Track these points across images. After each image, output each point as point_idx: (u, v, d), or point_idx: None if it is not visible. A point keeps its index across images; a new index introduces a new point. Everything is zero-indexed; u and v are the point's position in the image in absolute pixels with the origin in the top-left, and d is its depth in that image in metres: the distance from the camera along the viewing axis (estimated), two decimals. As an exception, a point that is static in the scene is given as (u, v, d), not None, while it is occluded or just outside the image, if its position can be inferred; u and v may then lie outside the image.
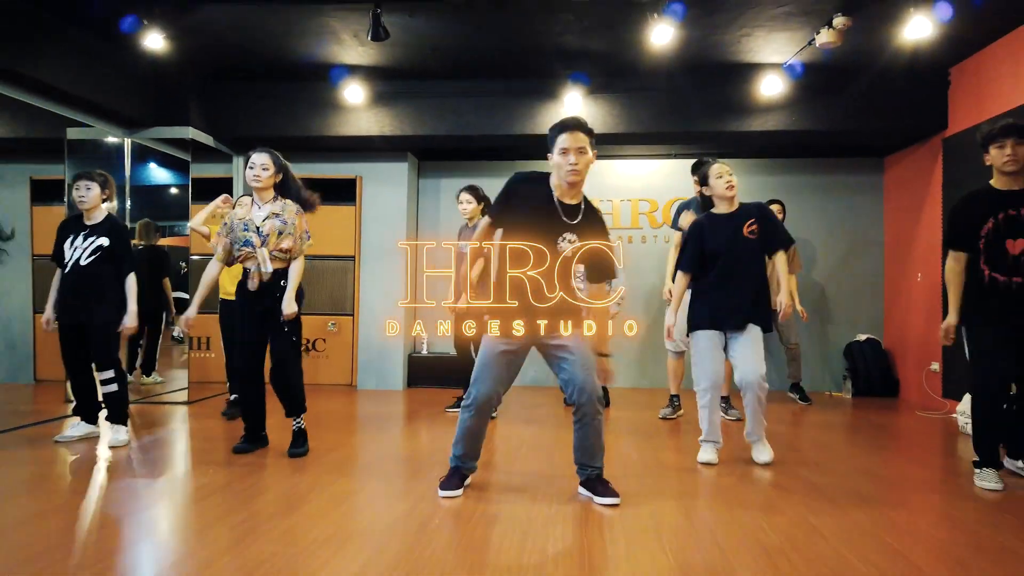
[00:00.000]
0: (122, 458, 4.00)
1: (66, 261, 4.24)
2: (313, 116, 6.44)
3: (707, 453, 3.96)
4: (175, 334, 6.98)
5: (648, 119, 6.23)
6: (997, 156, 3.51)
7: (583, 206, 3.16)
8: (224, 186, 6.98)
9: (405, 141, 6.61)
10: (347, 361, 7.14)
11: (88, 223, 4.30)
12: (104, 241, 4.25)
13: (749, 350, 3.80)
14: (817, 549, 2.61)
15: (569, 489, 3.32)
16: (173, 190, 6.92)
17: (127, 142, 6.13)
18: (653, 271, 7.05)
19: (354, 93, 6.21)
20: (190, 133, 6.14)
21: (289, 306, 3.88)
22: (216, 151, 6.69)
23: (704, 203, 4.21)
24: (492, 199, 4.90)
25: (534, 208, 3.10)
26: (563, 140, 3.06)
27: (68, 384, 4.72)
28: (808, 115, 6.10)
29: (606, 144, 6.72)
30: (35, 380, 7.10)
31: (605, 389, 5.97)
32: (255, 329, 3.94)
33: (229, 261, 4.00)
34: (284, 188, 4.06)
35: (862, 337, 6.99)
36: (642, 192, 7.42)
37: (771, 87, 5.92)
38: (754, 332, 3.86)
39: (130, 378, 6.35)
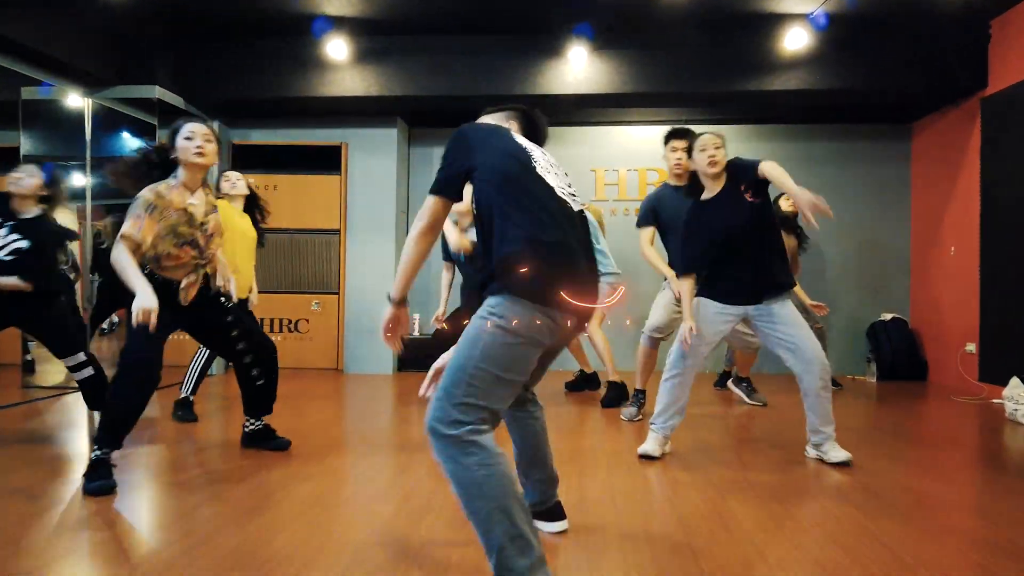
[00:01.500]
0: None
1: None
2: (293, 75, 5.89)
3: (651, 443, 3.41)
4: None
5: (659, 78, 5.69)
6: None
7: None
8: (198, 153, 6.45)
9: (394, 103, 6.06)
10: (332, 343, 6.63)
11: (16, 215, 3.71)
12: (24, 244, 3.66)
13: (792, 327, 3.28)
14: (882, 560, 2.11)
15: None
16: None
17: (88, 102, 5.58)
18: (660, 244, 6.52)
19: (337, 49, 5.66)
20: (156, 93, 5.59)
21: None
22: (188, 114, 6.13)
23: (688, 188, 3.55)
24: None
25: None
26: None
27: None
28: (834, 73, 5.56)
29: (612, 107, 6.18)
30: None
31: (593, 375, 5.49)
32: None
33: (145, 262, 3.02)
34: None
35: (887, 316, 6.50)
36: (650, 161, 6.88)
37: (795, 41, 5.39)
38: (787, 306, 3.34)
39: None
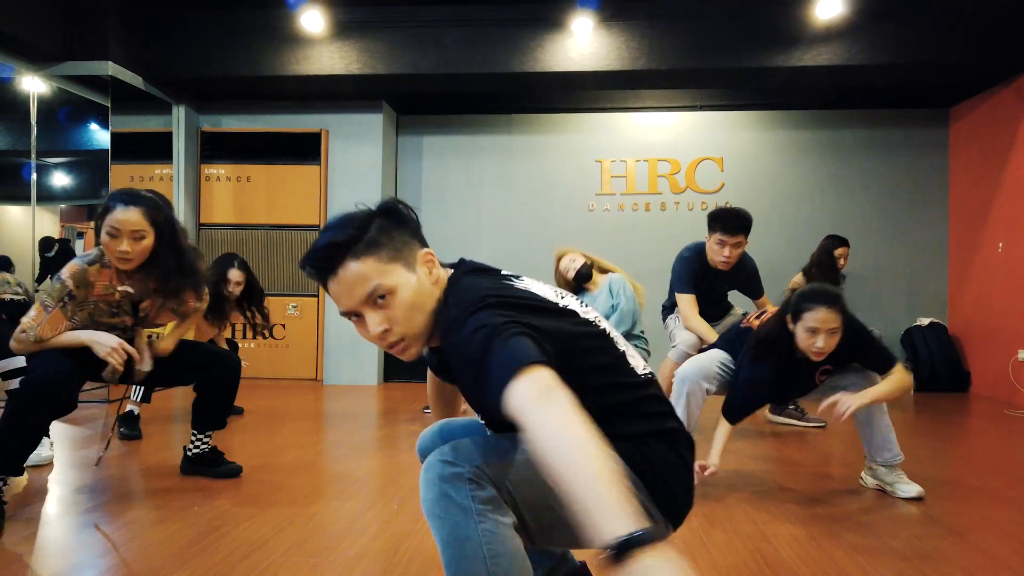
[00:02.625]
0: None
1: None
2: (266, 51, 5.27)
3: None
4: None
5: (673, 53, 5.08)
6: None
7: None
8: (159, 142, 5.85)
9: (378, 83, 5.45)
10: (311, 351, 5.99)
11: None
12: None
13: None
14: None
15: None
16: (97, 152, 5.68)
17: (32, 80, 4.96)
18: (672, 246, 5.91)
19: (313, 21, 5.05)
20: (109, 69, 4.96)
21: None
22: (151, 98, 5.53)
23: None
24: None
25: None
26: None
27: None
28: (869, 46, 4.95)
29: (621, 87, 5.56)
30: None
31: None
32: None
33: None
34: None
35: (924, 321, 5.88)
36: (662, 151, 6.27)
37: (827, 9, 4.79)
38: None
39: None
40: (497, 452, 1.22)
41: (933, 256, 6.08)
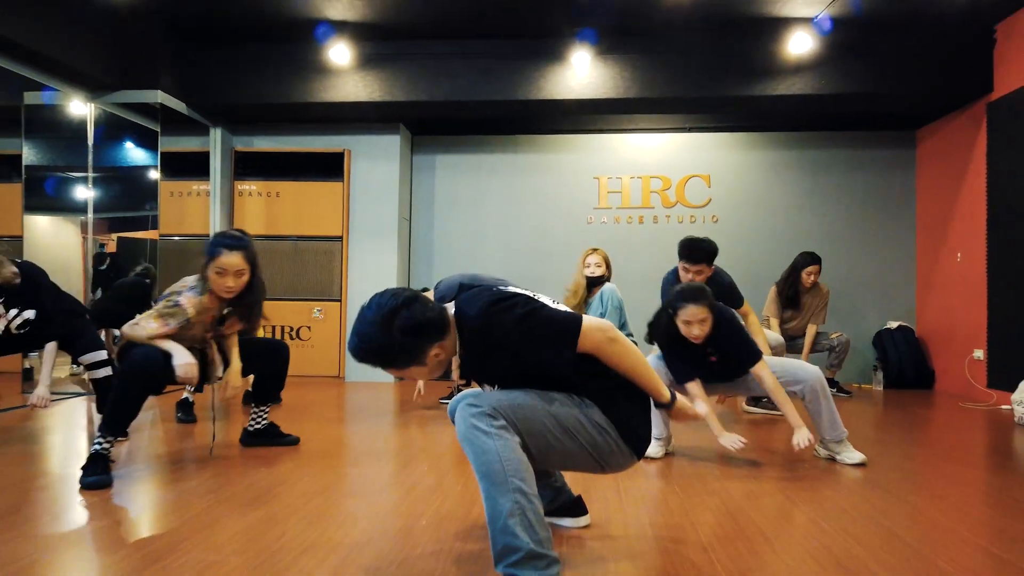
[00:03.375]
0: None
1: None
2: (296, 80, 5.88)
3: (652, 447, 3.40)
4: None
5: (662, 83, 5.67)
6: None
7: None
8: (197, 161, 6.45)
9: (396, 109, 6.05)
10: (334, 351, 6.57)
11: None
12: (29, 314, 3.61)
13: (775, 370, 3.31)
14: (902, 556, 2.05)
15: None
16: (145, 170, 6.27)
17: (90, 107, 5.57)
18: (663, 256, 6.47)
19: (340, 54, 5.66)
20: (159, 98, 5.57)
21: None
22: (190, 121, 6.13)
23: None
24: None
25: None
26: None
27: None
28: (839, 77, 5.55)
29: (616, 113, 6.15)
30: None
31: None
32: None
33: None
34: None
35: (893, 325, 6.44)
36: (655, 168, 6.86)
37: (799, 45, 5.38)
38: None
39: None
40: (506, 398, 1.81)
41: (901, 265, 6.65)
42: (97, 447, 2.83)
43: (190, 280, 3.12)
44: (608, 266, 4.68)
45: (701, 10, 5.14)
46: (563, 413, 1.84)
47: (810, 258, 5.64)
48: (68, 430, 4.12)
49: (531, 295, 1.93)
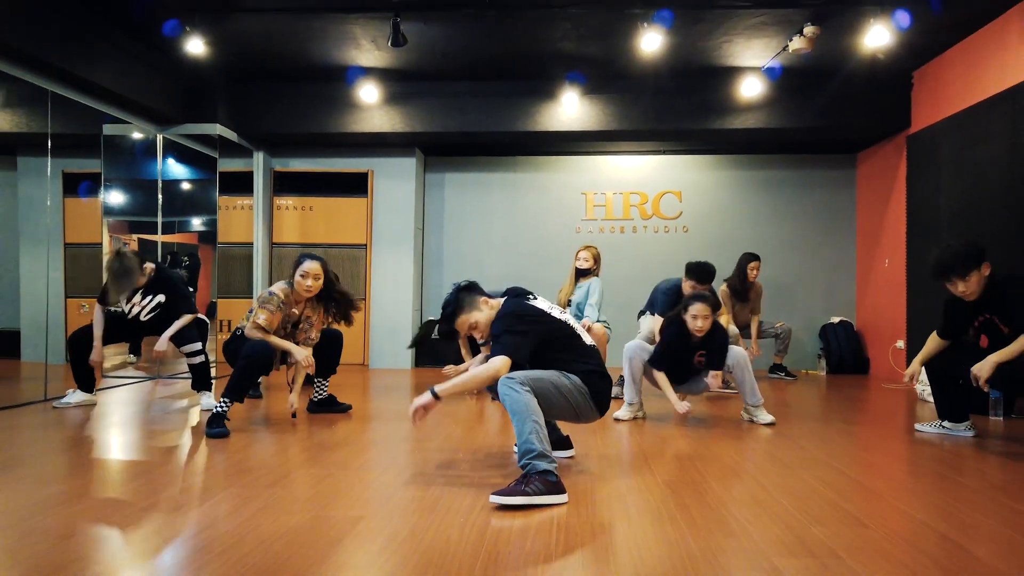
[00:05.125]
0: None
1: (123, 313, 4.81)
2: (330, 114, 6.96)
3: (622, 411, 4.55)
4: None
5: (639, 118, 6.79)
6: (953, 290, 3.82)
7: None
8: (242, 179, 7.52)
9: (414, 137, 7.15)
10: (360, 342, 7.67)
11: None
12: (161, 298, 4.80)
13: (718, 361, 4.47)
14: (785, 478, 3.18)
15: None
16: (200, 186, 7.34)
17: (159, 138, 6.63)
18: (641, 260, 7.62)
19: (369, 93, 6.74)
20: (217, 130, 6.65)
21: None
22: (238, 146, 7.20)
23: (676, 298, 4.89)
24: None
25: None
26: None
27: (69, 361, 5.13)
28: (785, 114, 6.68)
29: (600, 141, 7.26)
30: (67, 360, 7.58)
31: None
32: None
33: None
34: None
35: (836, 319, 7.57)
36: (634, 185, 7.98)
37: (751, 88, 6.49)
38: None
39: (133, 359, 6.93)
40: (529, 375, 2.87)
41: (843, 268, 7.80)
42: (220, 407, 3.93)
43: (280, 283, 4.26)
44: (597, 261, 5.77)
45: (669, 60, 6.24)
46: (561, 383, 2.95)
47: (752, 256, 6.71)
48: (168, 403, 5.20)
49: (546, 310, 3.08)
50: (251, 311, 4.25)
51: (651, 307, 5.53)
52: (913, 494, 2.85)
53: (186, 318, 4.75)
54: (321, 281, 4.23)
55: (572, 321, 3.15)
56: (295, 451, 3.51)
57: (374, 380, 6.65)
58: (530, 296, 3.21)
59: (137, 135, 6.71)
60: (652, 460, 3.38)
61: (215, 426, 3.87)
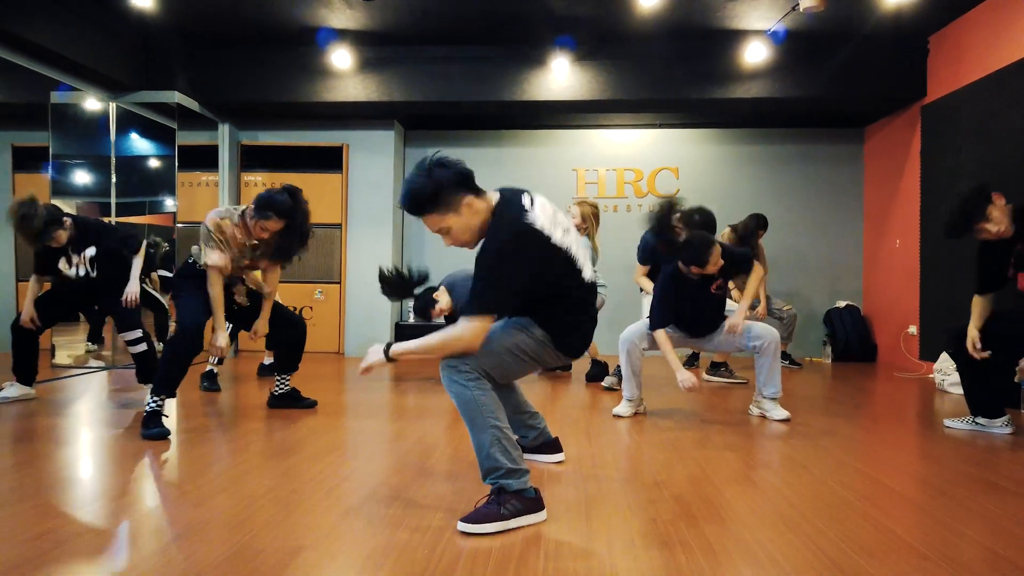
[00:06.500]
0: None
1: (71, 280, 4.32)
2: (300, 81, 6.42)
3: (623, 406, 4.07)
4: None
5: (634, 86, 6.28)
6: (987, 236, 3.45)
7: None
8: (209, 154, 6.98)
9: (392, 108, 6.62)
10: (334, 329, 7.17)
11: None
12: (92, 251, 4.29)
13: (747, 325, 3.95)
14: (811, 487, 2.72)
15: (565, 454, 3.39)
16: (158, 161, 6.78)
17: (112, 106, 6.08)
18: (635, 241, 7.12)
19: (341, 58, 6.20)
20: (176, 98, 6.10)
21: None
22: (201, 117, 6.66)
23: (667, 246, 4.20)
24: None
25: None
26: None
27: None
28: (791, 82, 6.19)
29: (592, 112, 6.76)
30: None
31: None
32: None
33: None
34: None
35: (841, 304, 7.13)
36: (628, 161, 7.49)
37: (755, 54, 6.00)
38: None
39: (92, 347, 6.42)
40: (481, 350, 2.25)
41: (850, 250, 7.35)
42: (153, 405, 3.43)
43: (217, 212, 3.68)
44: (588, 220, 5.22)
45: (667, 22, 5.74)
46: (514, 342, 2.30)
47: (764, 222, 6.23)
48: (102, 398, 4.70)
49: (548, 231, 2.21)
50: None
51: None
52: (965, 509, 2.40)
53: (141, 249, 4.34)
54: (280, 225, 3.67)
55: (575, 245, 2.34)
56: (241, 457, 3.03)
57: (349, 370, 6.16)
58: (525, 199, 2.26)
59: (90, 105, 6.14)
60: (657, 467, 2.91)
61: (151, 426, 3.38)
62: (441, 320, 4.82)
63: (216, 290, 3.65)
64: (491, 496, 2.21)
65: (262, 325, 3.97)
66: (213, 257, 3.61)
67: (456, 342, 2.17)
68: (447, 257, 6.19)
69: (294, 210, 3.64)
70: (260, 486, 2.55)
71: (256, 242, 3.75)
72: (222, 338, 3.76)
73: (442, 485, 2.59)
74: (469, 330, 2.14)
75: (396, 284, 4.71)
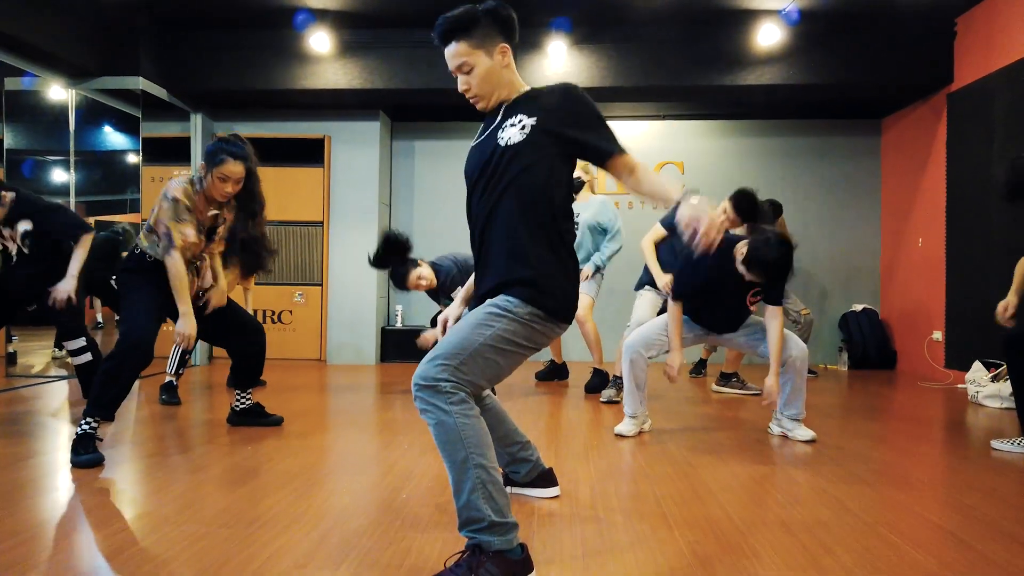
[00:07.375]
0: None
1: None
2: (276, 67, 5.95)
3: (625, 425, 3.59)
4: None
5: (636, 72, 5.82)
6: None
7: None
8: (180, 147, 6.52)
9: (376, 96, 6.15)
10: (315, 334, 6.70)
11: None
12: (26, 225, 3.84)
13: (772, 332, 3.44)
14: (843, 523, 2.25)
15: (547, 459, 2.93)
16: (123, 154, 6.32)
17: (71, 93, 5.61)
18: (636, 240, 6.65)
19: (320, 42, 5.74)
20: (141, 84, 5.63)
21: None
22: (171, 106, 6.19)
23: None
24: None
25: None
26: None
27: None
28: (806, 68, 5.72)
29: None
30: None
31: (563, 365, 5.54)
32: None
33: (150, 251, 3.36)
34: None
35: (858, 307, 6.68)
36: (629, 155, 7.01)
37: (768, 36, 5.55)
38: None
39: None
40: (453, 354, 1.78)
41: (867, 249, 6.88)
42: (85, 427, 2.95)
43: (179, 181, 3.20)
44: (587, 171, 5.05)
45: (671, 2, 5.28)
46: (495, 335, 1.81)
47: (780, 209, 5.87)
48: (55, 412, 4.23)
49: None
50: (148, 225, 3.25)
51: (653, 281, 4.61)
52: (1055, 566, 1.94)
53: (85, 241, 3.87)
54: (241, 185, 3.22)
55: None
56: (176, 490, 2.55)
57: (331, 378, 5.69)
58: None
59: (48, 92, 5.68)
60: (667, 502, 2.44)
61: (81, 451, 2.90)
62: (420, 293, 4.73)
63: (180, 266, 3.16)
64: (465, 554, 1.74)
65: (218, 296, 3.49)
66: (189, 232, 3.15)
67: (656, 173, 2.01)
68: (435, 255, 5.70)
69: (248, 154, 3.18)
70: (182, 534, 2.08)
71: (216, 213, 3.29)
72: (188, 324, 3.21)
73: (413, 529, 2.12)
74: (639, 164, 2.01)
75: (397, 245, 4.36)
